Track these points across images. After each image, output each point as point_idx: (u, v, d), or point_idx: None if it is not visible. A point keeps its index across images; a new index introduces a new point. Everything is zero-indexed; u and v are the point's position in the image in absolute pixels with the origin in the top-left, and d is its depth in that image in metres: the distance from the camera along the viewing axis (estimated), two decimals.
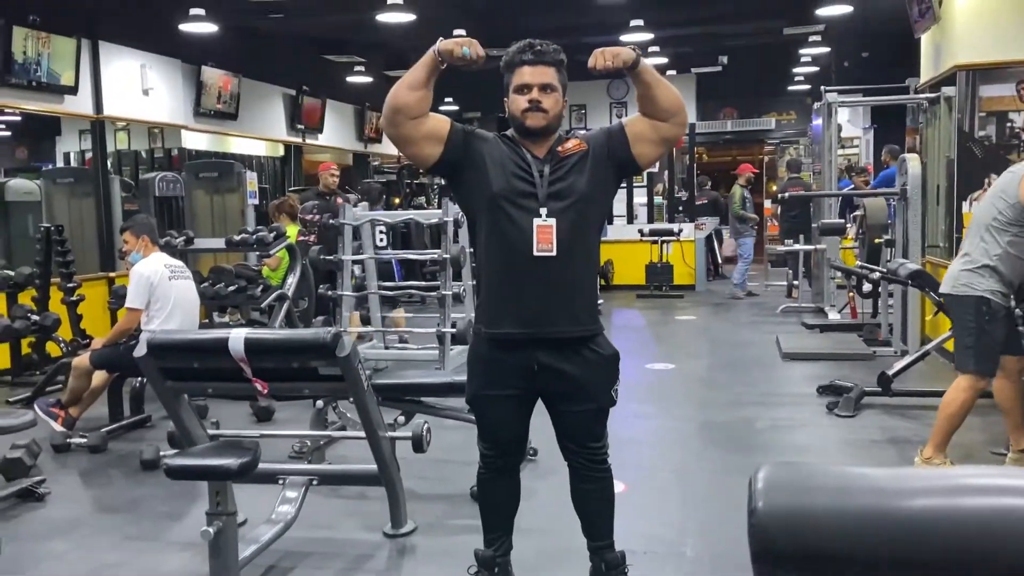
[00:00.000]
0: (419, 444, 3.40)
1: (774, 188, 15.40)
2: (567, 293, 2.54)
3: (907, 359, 5.37)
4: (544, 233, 2.48)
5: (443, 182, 11.67)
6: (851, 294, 8.22)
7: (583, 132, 2.72)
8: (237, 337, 2.91)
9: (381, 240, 7.11)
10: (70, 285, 6.64)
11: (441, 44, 2.46)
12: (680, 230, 11.02)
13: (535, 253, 2.48)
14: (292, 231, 6.78)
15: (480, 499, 2.85)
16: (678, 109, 2.55)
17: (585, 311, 2.60)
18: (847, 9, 9.02)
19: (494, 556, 2.78)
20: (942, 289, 4.02)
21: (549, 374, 2.56)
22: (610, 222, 11.68)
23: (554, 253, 2.48)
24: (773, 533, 0.89)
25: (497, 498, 2.80)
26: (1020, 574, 0.82)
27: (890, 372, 5.16)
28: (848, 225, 8.71)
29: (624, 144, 2.57)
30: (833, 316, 8.35)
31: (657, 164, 12.67)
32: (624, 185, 12.70)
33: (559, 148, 2.57)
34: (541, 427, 2.82)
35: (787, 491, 0.91)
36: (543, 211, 2.49)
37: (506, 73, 2.58)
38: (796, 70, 13.91)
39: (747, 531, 0.91)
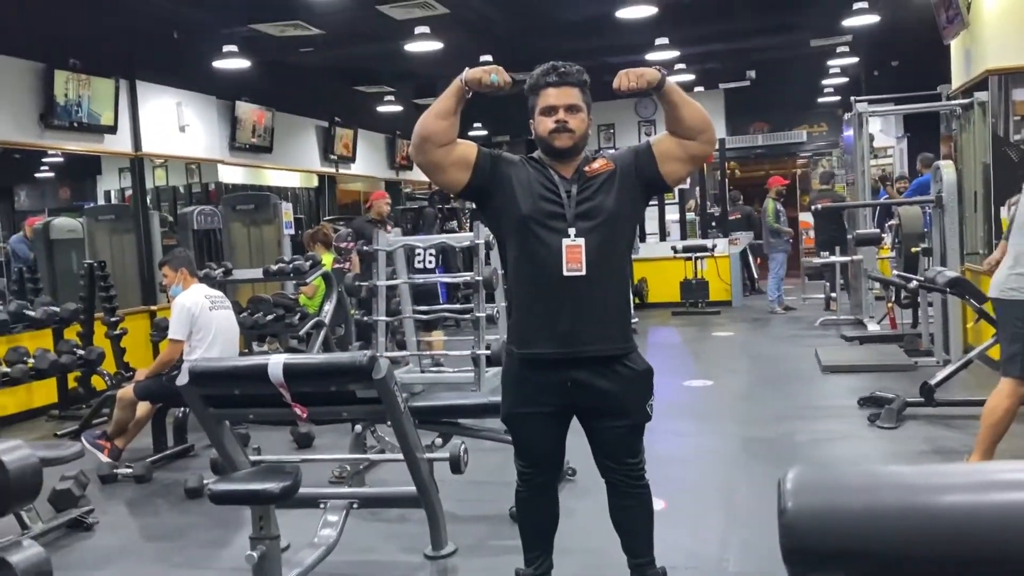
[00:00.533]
0: (456, 465, 3.42)
1: (808, 201, 15.28)
2: (598, 312, 2.55)
3: (949, 368, 5.28)
4: (573, 253, 2.51)
5: (474, 206, 11.79)
6: (890, 305, 8.11)
7: (611, 152, 2.75)
8: (276, 363, 2.96)
9: (430, 263, 7.28)
10: (113, 319, 6.80)
11: (467, 73, 2.51)
12: (714, 246, 10.97)
13: (564, 273, 2.51)
14: (327, 259, 6.88)
15: (519, 518, 2.86)
16: (705, 127, 2.57)
17: (618, 329, 2.61)
18: (874, 19, 8.97)
19: (534, 575, 2.78)
20: (990, 294, 3.97)
21: (583, 391, 2.58)
22: (642, 239, 11.67)
23: (583, 273, 2.51)
24: (803, 532, 0.90)
25: (536, 516, 2.80)
26: None
27: (932, 382, 5.09)
28: (884, 235, 8.61)
29: (651, 163, 2.59)
30: (872, 328, 8.24)
31: (688, 180, 12.65)
32: (655, 203, 12.69)
33: (586, 168, 2.60)
34: (580, 447, 2.82)
35: (816, 491, 0.92)
36: (571, 231, 2.52)
37: (531, 96, 2.63)
38: (825, 82, 13.83)
39: (778, 531, 0.92)
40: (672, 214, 13.16)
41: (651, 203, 12.41)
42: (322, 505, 3.36)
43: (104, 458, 4.90)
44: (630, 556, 2.76)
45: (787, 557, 0.92)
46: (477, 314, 6.21)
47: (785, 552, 0.91)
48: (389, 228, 6.94)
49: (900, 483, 0.91)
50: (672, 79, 2.55)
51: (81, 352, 6.29)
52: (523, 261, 2.59)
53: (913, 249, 7.17)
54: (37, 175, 12.28)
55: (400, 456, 3.32)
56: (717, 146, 12.81)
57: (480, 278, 6.15)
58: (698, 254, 10.89)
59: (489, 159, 2.61)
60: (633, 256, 9.92)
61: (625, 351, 2.61)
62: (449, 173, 2.59)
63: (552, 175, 2.59)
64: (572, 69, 2.60)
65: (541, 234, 2.53)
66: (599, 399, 2.58)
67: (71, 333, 6.60)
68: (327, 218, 11.33)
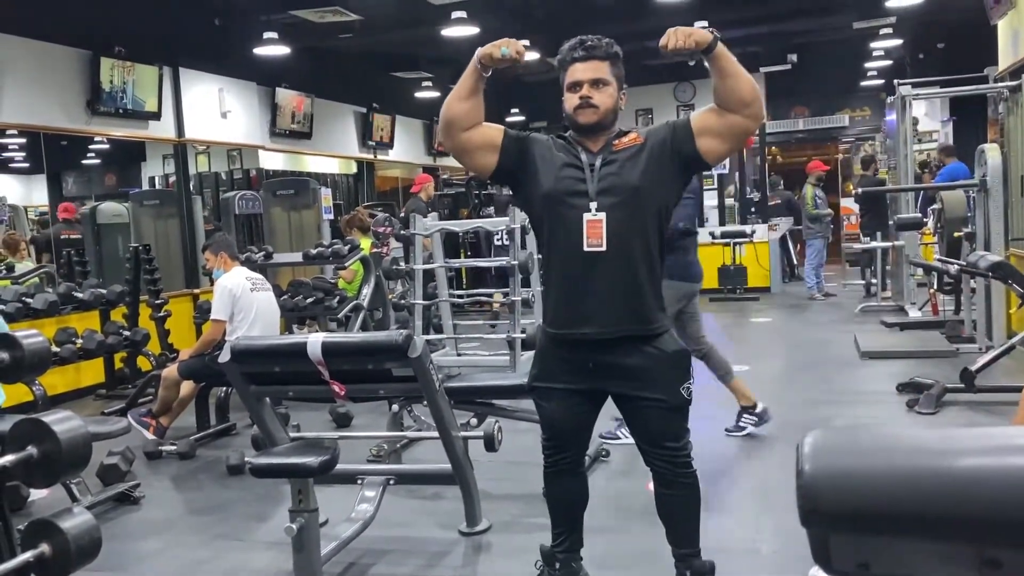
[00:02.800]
0: (491, 443, 3.47)
1: (851, 187, 15.06)
2: (622, 290, 2.49)
3: (991, 354, 5.21)
4: (594, 228, 2.46)
5: (508, 192, 11.81)
6: (932, 291, 7.99)
7: (647, 127, 2.66)
8: (315, 341, 3.03)
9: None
10: (158, 302, 6.96)
11: (479, 51, 2.49)
12: (753, 231, 10.87)
13: (585, 249, 2.47)
14: (365, 244, 6.96)
15: (545, 493, 2.84)
16: (751, 100, 2.43)
17: (643, 308, 2.52)
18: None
19: (553, 551, 2.79)
20: None
21: (607, 371, 2.54)
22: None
23: (604, 248, 2.46)
24: (820, 494, 0.91)
25: (558, 494, 2.78)
26: None
27: (973, 368, 5.02)
28: (926, 220, 8.48)
29: (689, 138, 2.50)
30: (914, 314, 8.12)
31: (727, 165, 12.54)
32: None
33: (614, 142, 2.55)
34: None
35: (833, 453, 0.93)
36: (593, 206, 2.47)
37: (560, 72, 2.59)
38: (868, 65, 13.59)
39: (796, 494, 0.94)
40: (711, 199, 13.06)
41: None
42: (359, 481, 3.44)
43: (150, 435, 5.04)
44: (674, 546, 2.69)
45: (804, 519, 0.94)
46: (512, 298, 6.25)
47: (802, 514, 0.94)
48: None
49: (918, 446, 0.93)
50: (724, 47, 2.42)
51: (127, 333, 6.46)
52: (551, 239, 2.58)
53: (956, 234, 7.05)
54: (84, 161, 12.55)
55: (436, 434, 3.38)
56: (757, 131, 12.75)
57: (516, 262, 6.18)
58: (737, 240, 10.80)
59: (515, 141, 2.59)
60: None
61: (652, 332, 2.53)
62: (477, 157, 2.58)
63: (578, 151, 2.55)
64: (600, 42, 2.54)
65: (564, 210, 2.50)
66: (625, 379, 2.53)
67: (117, 315, 6.77)
68: (365, 204, 11.45)
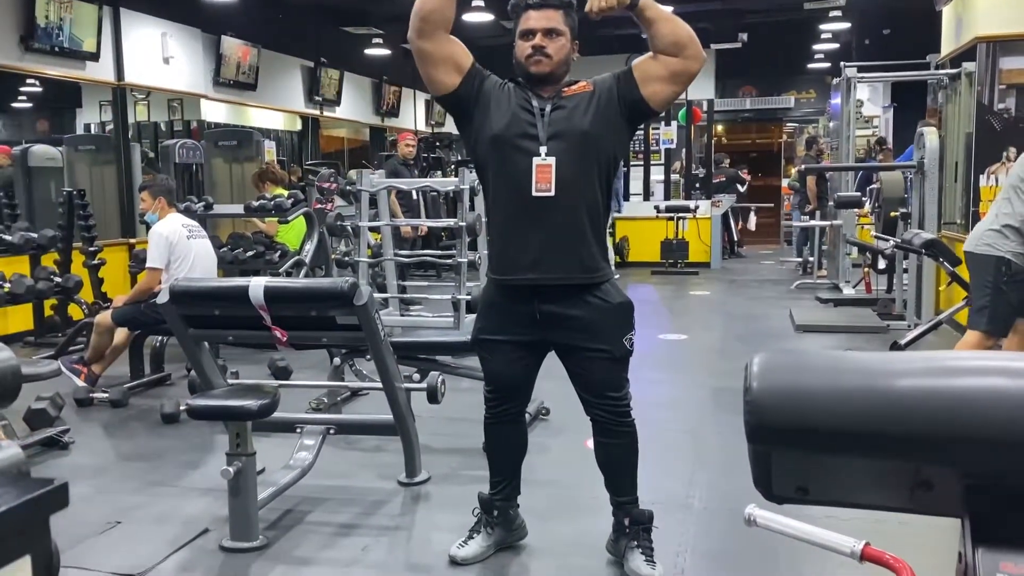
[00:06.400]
0: (433, 395, 3.47)
1: (791, 169, 15.37)
2: (569, 237, 2.50)
3: (919, 329, 5.40)
4: (543, 172, 2.45)
5: (459, 157, 11.73)
6: (866, 270, 8.22)
7: (594, 77, 2.63)
8: (257, 285, 2.98)
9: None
10: (91, 249, 6.75)
11: None
12: (696, 207, 11.01)
13: (534, 193, 2.46)
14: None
15: (486, 443, 2.87)
16: (687, 42, 2.44)
17: (588, 256, 2.53)
18: None
19: (491, 499, 2.82)
20: (964, 247, 4.02)
21: (553, 321, 2.54)
22: (626, 198, 11.70)
23: (552, 193, 2.45)
24: (766, 411, 0.94)
25: (499, 443, 2.81)
26: (995, 446, 0.87)
27: (902, 342, 5.20)
28: (864, 199, 8.70)
29: (632, 85, 2.51)
30: (848, 292, 8.35)
31: (675, 140, 12.65)
32: (640, 162, 12.69)
33: (564, 89, 2.55)
34: (556, 388, 2.85)
35: (780, 372, 0.96)
36: (543, 150, 2.46)
37: (513, 18, 2.57)
38: (816, 47, 13.82)
39: (743, 410, 0.96)
40: (657, 174, 13.18)
41: (636, 163, 12.52)
42: (299, 430, 3.41)
43: (80, 383, 4.90)
44: (613, 494, 2.74)
45: (751, 434, 0.96)
46: (459, 259, 6.24)
47: (749, 429, 0.96)
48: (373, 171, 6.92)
49: (860, 367, 0.96)
50: None
51: (58, 279, 6.26)
52: (497, 183, 2.56)
53: (892, 213, 7.25)
54: (15, 104, 12.05)
55: (378, 385, 3.36)
56: (705, 107, 12.87)
57: (463, 224, 6.16)
58: (680, 215, 10.93)
59: (479, 74, 2.57)
60: (616, 215, 10.04)
61: (596, 281, 2.55)
62: (441, 70, 2.52)
63: (529, 96, 2.54)
64: None
65: (513, 154, 2.49)
66: (570, 330, 2.54)
67: (48, 261, 6.55)
68: (308, 162, 11.25)
